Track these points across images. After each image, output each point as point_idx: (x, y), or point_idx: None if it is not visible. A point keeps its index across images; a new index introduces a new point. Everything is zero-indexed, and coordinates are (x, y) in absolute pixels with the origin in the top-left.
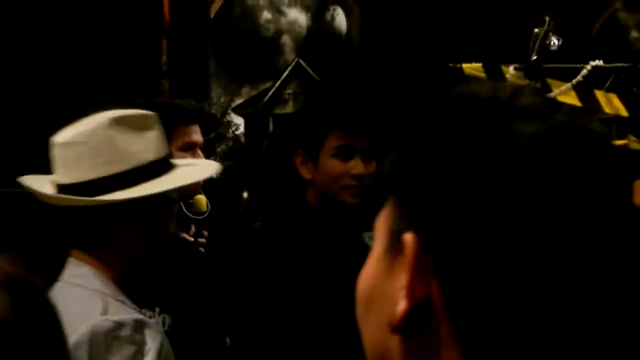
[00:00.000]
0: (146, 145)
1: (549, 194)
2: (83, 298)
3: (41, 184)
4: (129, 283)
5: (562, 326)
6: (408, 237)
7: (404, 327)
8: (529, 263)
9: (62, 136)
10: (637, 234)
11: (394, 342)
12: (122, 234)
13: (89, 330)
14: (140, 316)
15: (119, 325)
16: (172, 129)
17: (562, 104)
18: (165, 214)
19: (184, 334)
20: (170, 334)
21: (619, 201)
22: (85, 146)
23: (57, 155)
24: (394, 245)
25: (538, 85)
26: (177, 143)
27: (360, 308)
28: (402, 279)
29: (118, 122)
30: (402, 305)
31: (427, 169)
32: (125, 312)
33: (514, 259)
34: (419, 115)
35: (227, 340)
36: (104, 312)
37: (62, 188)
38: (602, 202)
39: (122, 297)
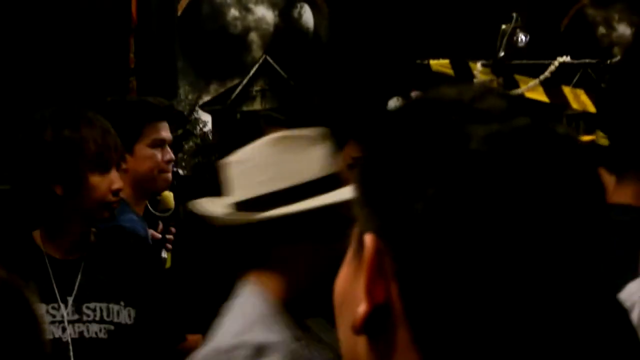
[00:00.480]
0: (310, 162)
1: (501, 196)
2: (236, 315)
3: (213, 206)
4: (299, 305)
5: (519, 331)
6: (367, 239)
7: (365, 328)
8: (483, 266)
9: (231, 157)
10: (596, 230)
11: (360, 344)
12: (286, 253)
13: (212, 346)
14: (273, 341)
15: (237, 346)
16: (142, 126)
17: (529, 107)
18: (333, 235)
19: (147, 326)
20: (134, 327)
21: (578, 201)
22: (249, 164)
23: (225, 175)
24: (360, 248)
25: (500, 80)
26: (146, 140)
27: (335, 311)
28: (363, 281)
29: (283, 141)
30: (362, 307)
31: (386, 171)
32: (263, 334)
33: (468, 262)
34: (385, 117)
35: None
36: (242, 331)
37: (228, 207)
38: (556, 203)
39: (279, 318)
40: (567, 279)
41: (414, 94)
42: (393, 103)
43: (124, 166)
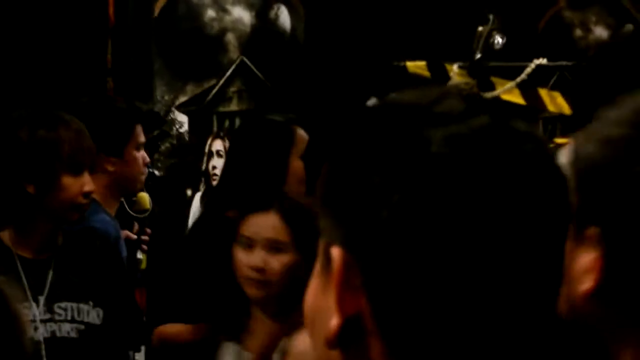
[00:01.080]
0: None
1: (463, 198)
2: None
3: None
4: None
5: (492, 341)
6: (334, 251)
7: (338, 342)
8: (451, 272)
9: None
10: (556, 228)
11: (334, 357)
12: None
13: None
14: None
15: None
16: (132, 130)
17: (489, 108)
18: None
19: (114, 327)
20: (102, 327)
21: (538, 198)
22: None
23: None
24: (328, 261)
25: (473, 82)
26: (133, 143)
27: (306, 324)
28: (333, 294)
29: None
30: (333, 321)
31: (349, 180)
32: None
33: (435, 269)
34: (347, 126)
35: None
36: None
37: None
38: (517, 201)
39: None
40: (534, 280)
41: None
42: (371, 104)
43: (110, 168)
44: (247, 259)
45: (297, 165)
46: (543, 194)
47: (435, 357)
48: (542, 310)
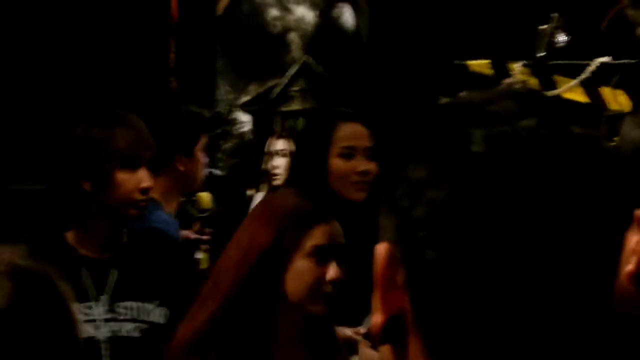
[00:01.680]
0: None
1: (500, 197)
2: None
3: None
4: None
5: (529, 341)
6: (379, 247)
7: (383, 338)
8: (491, 274)
9: None
10: (602, 234)
11: (385, 351)
12: None
13: None
14: None
15: None
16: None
17: (544, 108)
18: None
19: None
20: (167, 327)
21: (582, 200)
22: None
23: None
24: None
25: (533, 80)
26: (200, 145)
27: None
28: (378, 291)
29: None
30: (377, 318)
31: (399, 177)
32: None
33: (470, 267)
34: (409, 125)
35: None
36: None
37: None
38: (557, 202)
39: None
40: (577, 283)
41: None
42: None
43: (181, 167)
44: (320, 271)
45: (335, 163)
46: (589, 193)
47: (474, 357)
48: (594, 315)
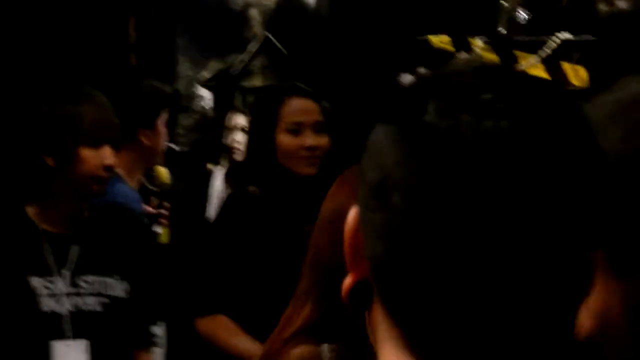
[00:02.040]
0: None
1: (449, 167)
2: None
3: None
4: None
5: (484, 317)
6: (351, 213)
7: (351, 302)
8: (436, 238)
9: None
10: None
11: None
12: None
13: None
14: None
15: None
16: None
17: (501, 82)
18: None
19: (140, 300)
20: (128, 300)
21: (531, 180)
22: None
23: None
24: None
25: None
26: (162, 117)
27: None
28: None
29: None
30: (347, 280)
31: (370, 150)
32: None
33: (423, 237)
34: (380, 102)
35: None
36: None
37: None
38: (503, 181)
39: None
40: (549, 269)
41: (420, 70)
42: (406, 80)
43: (145, 140)
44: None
45: (283, 138)
46: (539, 165)
47: (438, 322)
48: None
